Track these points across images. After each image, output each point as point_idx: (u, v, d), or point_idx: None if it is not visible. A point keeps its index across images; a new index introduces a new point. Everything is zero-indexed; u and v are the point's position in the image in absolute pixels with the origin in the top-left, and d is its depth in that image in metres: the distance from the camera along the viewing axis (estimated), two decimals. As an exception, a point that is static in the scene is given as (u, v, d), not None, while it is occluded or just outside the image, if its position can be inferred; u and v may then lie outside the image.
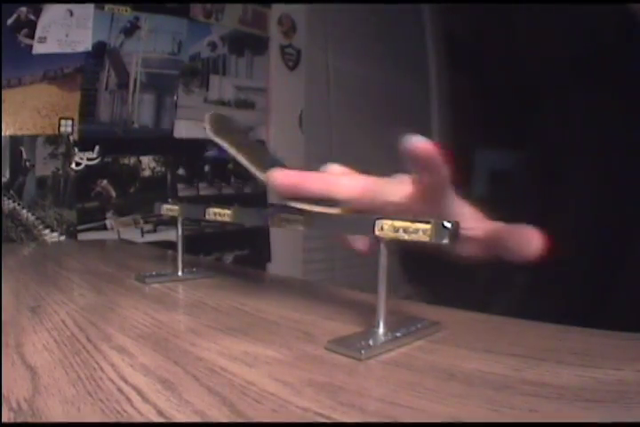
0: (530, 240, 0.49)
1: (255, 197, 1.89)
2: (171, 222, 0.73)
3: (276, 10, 2.00)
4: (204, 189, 1.76)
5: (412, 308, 0.58)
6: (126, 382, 0.38)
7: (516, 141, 0.83)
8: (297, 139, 2.08)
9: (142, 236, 1.50)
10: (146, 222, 1.58)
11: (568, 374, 0.39)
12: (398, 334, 0.47)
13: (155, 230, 1.58)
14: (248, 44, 1.91)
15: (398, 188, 0.51)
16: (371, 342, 0.45)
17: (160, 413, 0.33)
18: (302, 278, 0.71)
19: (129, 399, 0.35)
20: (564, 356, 0.43)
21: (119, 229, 1.52)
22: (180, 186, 1.70)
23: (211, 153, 1.77)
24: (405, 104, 2.64)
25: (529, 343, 0.47)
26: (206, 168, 1.77)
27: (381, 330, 0.47)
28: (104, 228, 1.52)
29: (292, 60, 2.04)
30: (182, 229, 0.74)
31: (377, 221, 0.45)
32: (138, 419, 0.32)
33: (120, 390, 0.36)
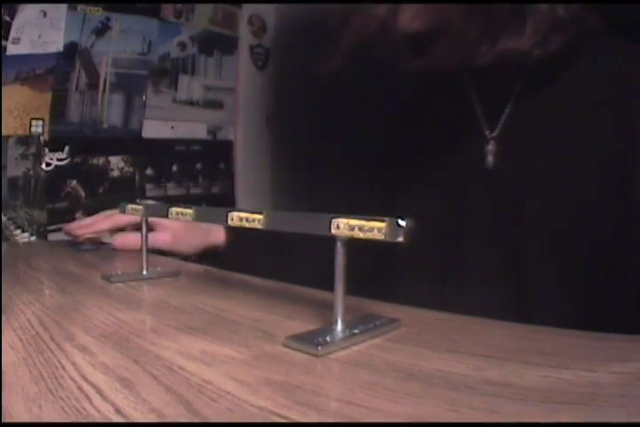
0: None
1: (223, 196, 1.89)
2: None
3: (247, 10, 2.00)
4: (172, 189, 1.76)
5: (372, 306, 0.59)
6: (86, 380, 0.38)
7: None
8: (265, 139, 2.08)
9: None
10: (115, 222, 1.57)
11: (534, 374, 0.39)
12: (356, 331, 0.48)
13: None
14: (217, 43, 1.90)
15: None
16: (328, 339, 0.46)
17: (118, 411, 0.33)
18: (266, 278, 0.71)
19: (88, 397, 0.35)
20: (530, 356, 0.43)
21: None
22: (148, 186, 1.69)
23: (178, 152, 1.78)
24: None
25: (494, 343, 0.47)
26: (174, 168, 1.77)
27: (339, 327, 0.48)
28: (74, 228, 1.51)
29: (261, 59, 2.04)
30: (147, 229, 0.75)
31: (333, 220, 0.46)
32: (96, 417, 0.33)
33: (80, 388, 0.37)
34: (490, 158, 0.74)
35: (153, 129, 1.71)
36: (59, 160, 1.51)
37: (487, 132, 0.75)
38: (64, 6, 1.52)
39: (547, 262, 0.69)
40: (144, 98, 1.69)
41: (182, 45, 1.80)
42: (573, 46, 0.66)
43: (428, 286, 0.77)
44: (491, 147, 0.74)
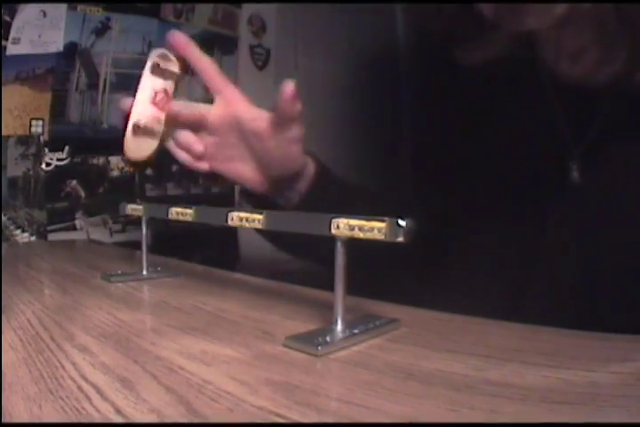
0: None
1: (223, 197, 1.88)
2: (140, 222, 0.74)
3: (247, 10, 2.00)
4: (172, 190, 1.75)
5: (372, 306, 0.59)
6: (86, 380, 0.38)
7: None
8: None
9: (111, 236, 1.49)
10: (114, 222, 1.57)
11: (534, 374, 0.39)
12: (356, 331, 0.48)
13: (123, 230, 1.58)
14: (217, 43, 1.90)
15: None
16: (328, 339, 0.46)
17: (118, 411, 0.33)
18: (267, 278, 0.70)
19: (88, 397, 0.35)
20: (530, 356, 0.43)
21: (88, 230, 1.52)
22: (148, 186, 1.69)
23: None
24: (375, 104, 2.64)
25: (494, 343, 0.47)
26: (174, 168, 1.76)
27: (339, 327, 0.48)
28: (74, 228, 1.52)
29: (261, 59, 2.03)
30: (147, 229, 0.75)
31: (333, 220, 0.46)
32: (96, 417, 0.33)
33: (80, 388, 0.37)
34: (574, 174, 0.73)
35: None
36: (59, 160, 1.51)
37: (573, 148, 0.74)
38: (64, 6, 1.52)
39: (621, 278, 0.69)
40: (144, 98, 1.69)
41: (182, 45, 1.79)
42: None
43: (505, 297, 0.76)
44: (576, 162, 0.74)
